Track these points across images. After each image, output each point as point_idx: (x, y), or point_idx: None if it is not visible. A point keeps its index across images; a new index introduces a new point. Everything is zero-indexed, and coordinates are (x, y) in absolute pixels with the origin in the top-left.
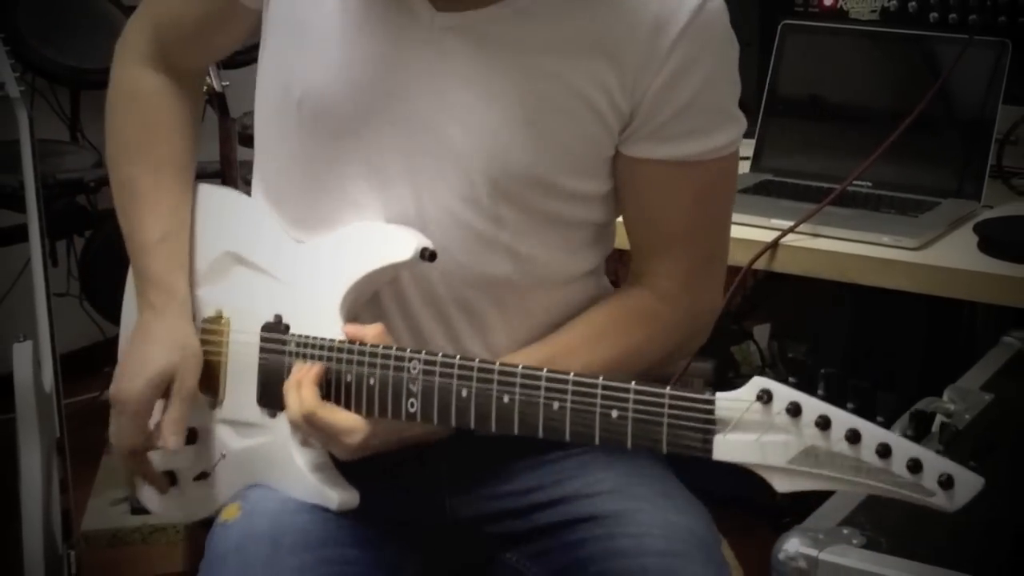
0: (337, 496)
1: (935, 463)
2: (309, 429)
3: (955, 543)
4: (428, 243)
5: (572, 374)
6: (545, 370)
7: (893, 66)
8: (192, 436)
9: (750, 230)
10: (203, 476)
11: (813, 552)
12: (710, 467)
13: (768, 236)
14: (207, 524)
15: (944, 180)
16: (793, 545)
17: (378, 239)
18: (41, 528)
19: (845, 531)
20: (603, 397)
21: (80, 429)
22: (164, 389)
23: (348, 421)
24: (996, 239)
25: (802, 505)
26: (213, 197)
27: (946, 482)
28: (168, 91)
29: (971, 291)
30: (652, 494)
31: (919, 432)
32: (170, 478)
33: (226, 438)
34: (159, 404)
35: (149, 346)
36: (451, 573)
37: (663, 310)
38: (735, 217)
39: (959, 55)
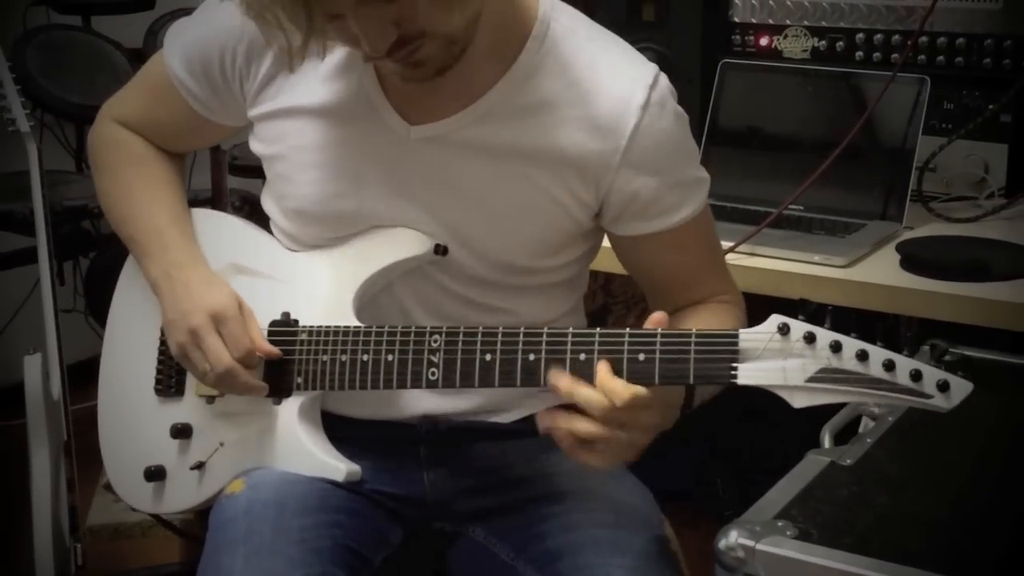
0: (344, 468)
1: (933, 372)
2: (631, 414)
3: (876, 534)
4: (440, 240)
5: (599, 329)
6: (571, 329)
7: (823, 101)
8: (187, 431)
9: None
10: (198, 466)
11: (751, 543)
12: (662, 466)
13: None
14: (173, 528)
15: (870, 204)
16: (733, 536)
17: (395, 237)
18: (50, 523)
19: (780, 524)
20: (630, 344)
21: (86, 433)
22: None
23: (656, 392)
24: (917, 257)
25: (742, 500)
26: (209, 219)
27: (943, 386)
28: (146, 141)
29: (894, 305)
30: (604, 477)
31: None
32: (160, 472)
33: (224, 429)
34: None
35: (202, 282)
36: (428, 545)
37: (734, 308)
38: None
39: (883, 91)
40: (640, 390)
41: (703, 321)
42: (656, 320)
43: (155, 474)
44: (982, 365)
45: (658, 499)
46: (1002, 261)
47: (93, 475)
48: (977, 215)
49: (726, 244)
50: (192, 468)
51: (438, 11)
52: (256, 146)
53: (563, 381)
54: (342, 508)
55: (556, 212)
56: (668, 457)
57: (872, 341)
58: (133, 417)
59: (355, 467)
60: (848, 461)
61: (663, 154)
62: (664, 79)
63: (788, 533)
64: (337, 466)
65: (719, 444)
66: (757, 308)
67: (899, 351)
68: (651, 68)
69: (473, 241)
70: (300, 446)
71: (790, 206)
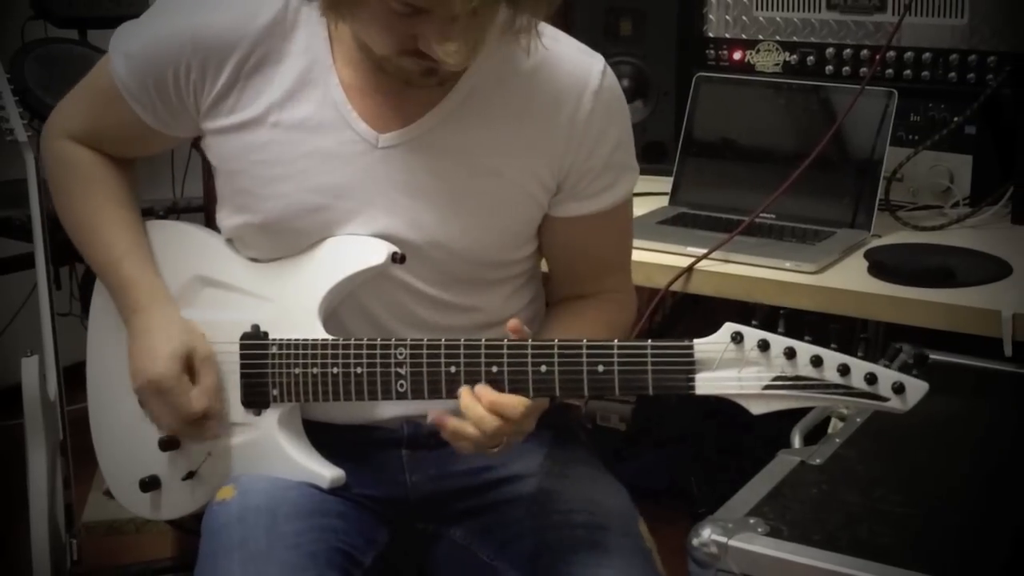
0: (329, 474)
1: (887, 374)
2: (517, 425)
3: (845, 531)
4: (396, 248)
5: (557, 340)
6: (530, 340)
7: (794, 113)
8: (175, 443)
9: (668, 257)
10: (190, 475)
11: (723, 539)
12: (638, 464)
13: (684, 262)
14: (180, 527)
15: (839, 212)
16: (706, 533)
17: (352, 248)
18: (47, 520)
19: (751, 520)
20: (588, 356)
21: (81, 433)
22: (186, 364)
23: (533, 403)
24: (884, 264)
25: (715, 498)
26: (173, 230)
27: (898, 388)
28: (95, 155)
29: (863, 310)
30: (581, 476)
31: None
32: (155, 482)
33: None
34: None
35: (152, 336)
36: (412, 545)
37: (624, 308)
38: (656, 245)
39: (852, 103)
40: (525, 401)
41: (589, 328)
42: (512, 327)
43: (150, 484)
44: (947, 368)
45: (634, 497)
46: (966, 268)
47: (88, 473)
48: (942, 223)
49: (699, 251)
50: (184, 479)
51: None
52: (214, 159)
53: (465, 398)
54: (332, 512)
55: (526, 202)
56: (644, 457)
57: (826, 343)
58: (123, 430)
59: (339, 473)
60: (818, 460)
61: (610, 135)
62: (610, 69)
63: (759, 530)
64: (321, 474)
65: (693, 444)
66: (732, 312)
67: (866, 355)
68: (599, 56)
69: (448, 241)
70: (284, 455)
71: (762, 214)
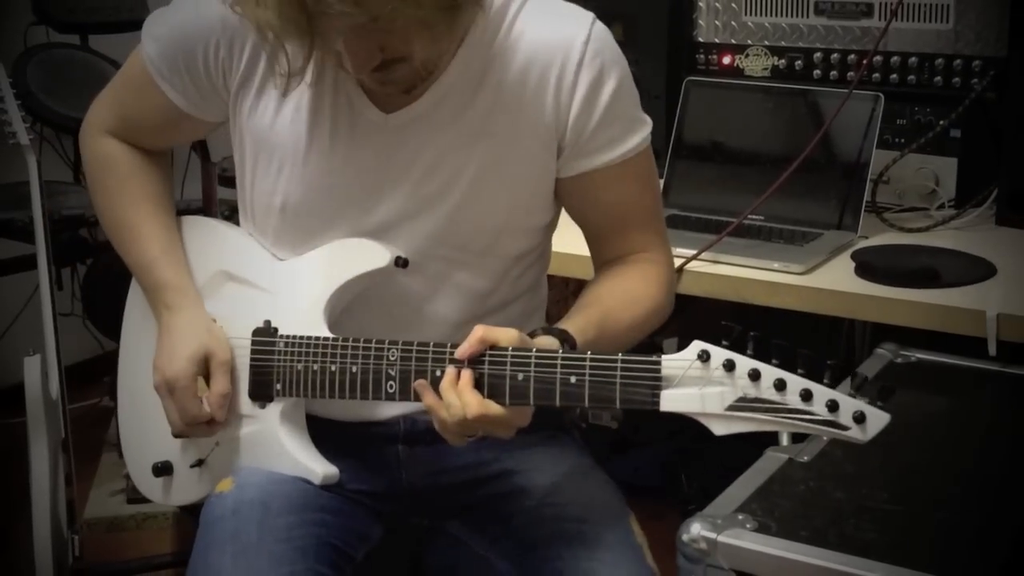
0: (322, 471)
1: (849, 403)
2: (478, 424)
3: (831, 527)
4: (400, 252)
5: (535, 350)
6: (510, 349)
7: (783, 116)
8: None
9: None
10: (198, 463)
11: (712, 535)
12: (629, 462)
13: (675, 263)
14: (193, 513)
15: (826, 214)
16: (695, 529)
17: (357, 250)
18: (49, 516)
19: (740, 517)
20: (563, 367)
21: (83, 431)
22: (203, 366)
23: (510, 411)
24: (871, 265)
25: (705, 495)
26: (203, 226)
27: (859, 417)
28: (132, 151)
29: (849, 310)
30: (573, 473)
31: None
32: (167, 467)
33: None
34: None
35: (176, 336)
36: (406, 538)
37: (661, 269)
38: None
39: (839, 107)
40: (493, 409)
41: (621, 291)
42: (477, 335)
43: (162, 469)
44: (932, 367)
45: (626, 495)
46: (951, 268)
47: (90, 471)
48: (928, 225)
49: (689, 252)
50: (192, 466)
51: (424, 41)
52: (241, 143)
53: (447, 378)
54: (325, 507)
55: (528, 161)
56: (635, 455)
57: (793, 368)
58: (144, 415)
59: (332, 470)
60: (805, 458)
61: (605, 85)
62: (600, 23)
63: (748, 526)
64: (314, 470)
65: (683, 443)
66: (721, 311)
67: (853, 354)
68: (589, 13)
69: (460, 209)
70: (282, 449)
71: (751, 216)
